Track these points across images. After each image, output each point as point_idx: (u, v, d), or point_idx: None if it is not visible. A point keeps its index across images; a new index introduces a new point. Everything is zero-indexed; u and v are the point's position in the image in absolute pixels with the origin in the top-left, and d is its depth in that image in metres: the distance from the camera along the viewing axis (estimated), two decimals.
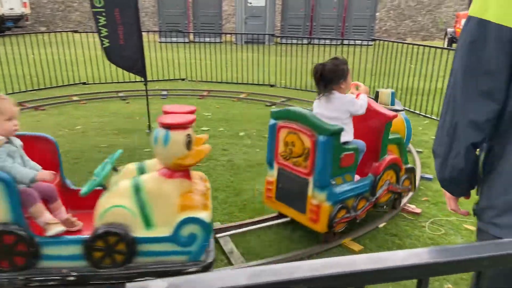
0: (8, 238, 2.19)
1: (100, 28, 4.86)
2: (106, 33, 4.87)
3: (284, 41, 12.08)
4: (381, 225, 3.29)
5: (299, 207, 2.95)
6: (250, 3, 16.07)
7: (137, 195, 2.28)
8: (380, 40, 8.05)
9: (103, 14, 4.76)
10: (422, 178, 4.17)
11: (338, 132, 2.75)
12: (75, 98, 7.27)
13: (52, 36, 8.64)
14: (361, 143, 3.03)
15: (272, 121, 3.13)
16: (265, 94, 7.87)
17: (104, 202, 2.28)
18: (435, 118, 6.48)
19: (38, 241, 2.24)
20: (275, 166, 3.11)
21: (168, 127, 2.28)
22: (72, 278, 2.26)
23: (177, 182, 2.34)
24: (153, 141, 2.34)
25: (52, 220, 2.30)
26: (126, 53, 4.96)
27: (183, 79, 9.09)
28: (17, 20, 17.95)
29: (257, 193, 3.83)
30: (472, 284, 1.24)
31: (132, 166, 2.55)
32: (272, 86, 8.75)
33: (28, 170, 2.31)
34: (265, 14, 16.13)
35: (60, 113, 6.36)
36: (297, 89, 8.41)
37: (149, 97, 5.67)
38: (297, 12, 16.53)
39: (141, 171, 2.51)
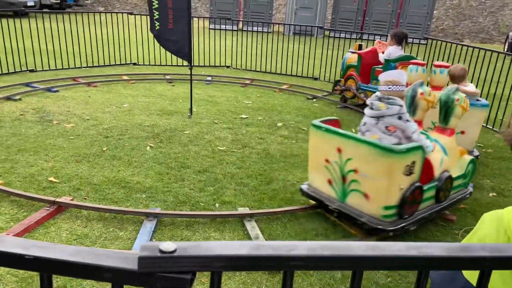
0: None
1: (154, 10, 5.05)
2: (157, 16, 5.05)
3: (333, 34, 11.87)
4: (411, 228, 3.22)
5: None
6: None
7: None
8: (433, 39, 7.72)
9: None
10: None
11: None
12: (125, 77, 7.59)
13: (109, 17, 9.02)
14: None
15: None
16: (307, 87, 7.82)
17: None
18: (487, 126, 6.18)
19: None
20: None
21: None
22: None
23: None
24: None
25: None
26: (174, 37, 5.12)
27: (228, 67, 9.21)
28: None
29: (288, 183, 3.86)
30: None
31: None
32: (316, 79, 8.67)
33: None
34: (317, 6, 15.90)
35: (109, 91, 6.68)
36: None
37: (193, 81, 5.82)
38: (350, 5, 16.16)
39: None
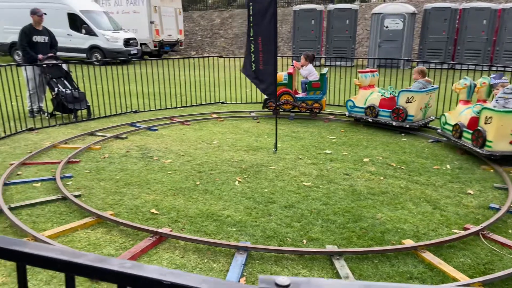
0: None
1: (252, 54, 5.47)
2: (254, 59, 5.46)
3: (421, 65, 11.48)
4: None
5: None
6: (387, 27, 15.71)
7: None
8: None
9: (253, 42, 5.36)
10: None
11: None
12: (214, 115, 8.11)
13: (200, 60, 9.83)
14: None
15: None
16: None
17: None
18: None
19: None
20: None
21: None
22: None
23: None
24: None
25: None
26: (263, 77, 5.44)
27: None
28: (173, 45, 20.82)
29: (377, 222, 3.74)
30: None
31: None
32: None
33: None
34: (402, 37, 15.56)
35: (201, 128, 7.18)
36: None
37: (278, 118, 6.02)
38: (439, 35, 15.53)
39: None
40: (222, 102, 9.45)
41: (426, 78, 6.86)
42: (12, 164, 5.00)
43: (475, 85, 6.03)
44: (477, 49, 15.10)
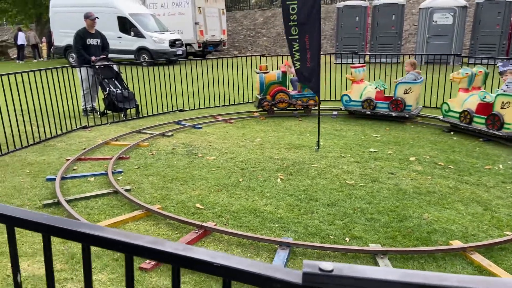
0: None
1: (294, 52, 5.48)
2: (298, 57, 5.47)
3: (472, 61, 10.93)
4: None
5: None
6: (436, 22, 15.10)
7: None
8: None
9: (297, 40, 5.38)
10: None
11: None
12: (256, 114, 8.19)
13: (243, 59, 9.95)
14: None
15: None
16: (441, 118, 7.29)
17: None
18: None
19: None
20: None
21: None
22: None
23: None
24: None
25: None
26: (310, 74, 5.45)
27: None
28: (217, 45, 21.20)
29: (424, 222, 3.64)
30: None
31: None
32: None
33: None
34: (453, 32, 14.89)
35: (243, 126, 7.28)
36: None
37: (320, 116, 5.99)
38: (492, 29, 14.72)
39: None
40: None
41: (417, 70, 7.38)
42: (68, 160, 5.35)
43: (475, 75, 6.43)
44: None
